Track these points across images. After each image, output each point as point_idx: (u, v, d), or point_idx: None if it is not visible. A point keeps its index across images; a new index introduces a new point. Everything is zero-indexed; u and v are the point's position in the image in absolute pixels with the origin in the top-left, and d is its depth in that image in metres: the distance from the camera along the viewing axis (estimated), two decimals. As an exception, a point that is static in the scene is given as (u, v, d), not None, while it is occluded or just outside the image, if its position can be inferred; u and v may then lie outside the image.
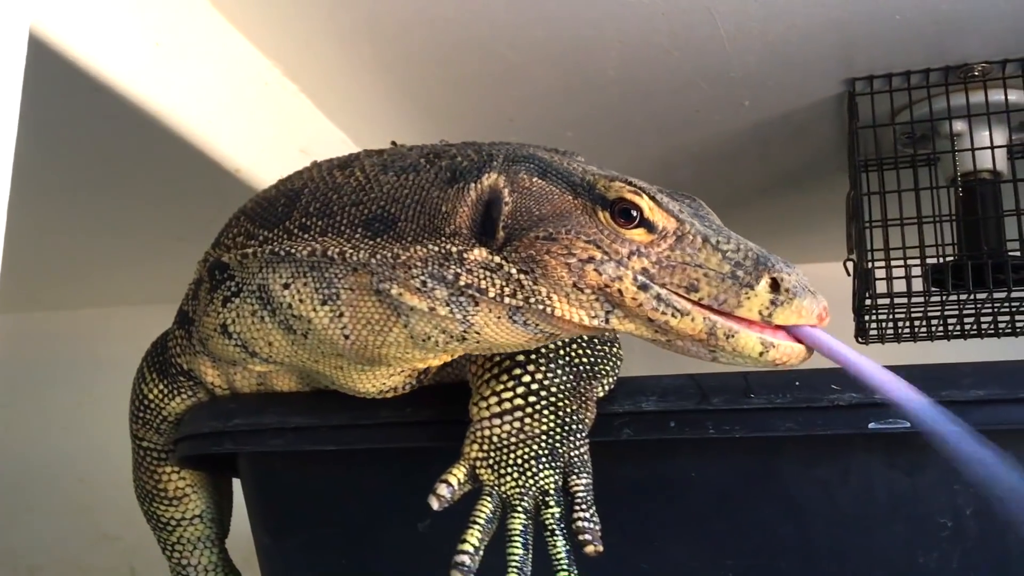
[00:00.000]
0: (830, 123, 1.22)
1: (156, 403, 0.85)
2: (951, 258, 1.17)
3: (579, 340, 0.72)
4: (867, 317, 1.19)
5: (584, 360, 0.72)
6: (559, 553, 0.66)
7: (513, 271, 0.64)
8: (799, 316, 0.61)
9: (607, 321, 0.63)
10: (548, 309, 0.63)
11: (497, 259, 0.64)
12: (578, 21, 1.02)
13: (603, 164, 1.38)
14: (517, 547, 0.66)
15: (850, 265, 1.18)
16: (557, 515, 0.66)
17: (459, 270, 0.65)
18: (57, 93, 0.91)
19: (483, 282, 0.64)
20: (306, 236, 0.70)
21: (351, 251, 0.68)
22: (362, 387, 0.76)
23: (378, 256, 0.67)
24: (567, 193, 0.65)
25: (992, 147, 1.14)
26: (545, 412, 0.69)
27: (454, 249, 0.65)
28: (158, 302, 1.38)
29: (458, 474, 0.69)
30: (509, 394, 0.70)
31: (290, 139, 1.11)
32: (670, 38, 1.04)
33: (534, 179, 0.66)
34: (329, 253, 0.68)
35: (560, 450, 0.68)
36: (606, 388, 0.73)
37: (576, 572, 0.66)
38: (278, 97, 1.10)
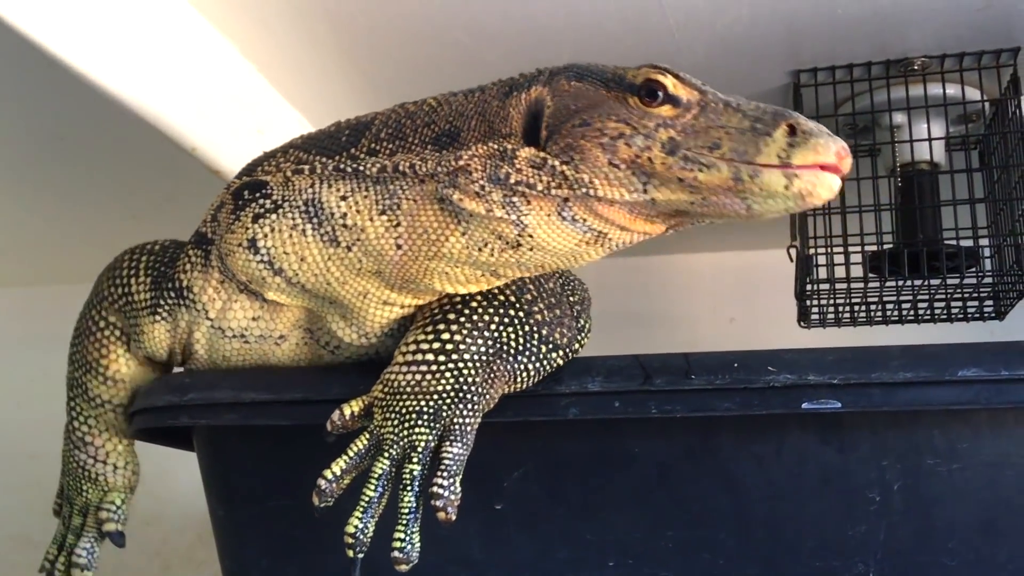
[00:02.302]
0: (775, 113, 1.25)
1: (136, 304, 0.85)
2: (889, 246, 1.21)
3: (517, 326, 0.75)
4: (808, 302, 1.23)
5: (512, 344, 0.74)
6: (404, 509, 0.69)
7: (556, 163, 0.69)
8: (816, 153, 0.64)
9: (646, 192, 0.68)
10: (591, 191, 0.68)
11: (542, 155, 0.69)
12: (531, 8, 1.04)
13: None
14: (371, 488, 0.70)
15: (793, 252, 1.22)
16: (415, 472, 0.69)
17: (510, 169, 0.70)
18: (12, 69, 0.91)
19: (531, 178, 0.69)
20: (374, 159, 0.74)
21: (420, 163, 0.72)
22: (370, 323, 0.78)
23: (443, 164, 0.71)
24: (601, 89, 0.70)
25: (930, 139, 1.18)
26: (447, 374, 0.72)
27: (509, 146, 0.70)
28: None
29: (355, 406, 0.73)
30: (426, 346, 0.73)
31: (247, 119, 1.12)
32: (621, 26, 1.07)
33: (572, 82, 0.71)
34: (400, 167, 0.73)
35: (444, 414, 0.71)
36: (523, 382, 0.75)
37: (414, 532, 0.68)
38: (235, 77, 1.11)
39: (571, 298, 0.81)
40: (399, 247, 0.73)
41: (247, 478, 0.87)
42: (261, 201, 0.77)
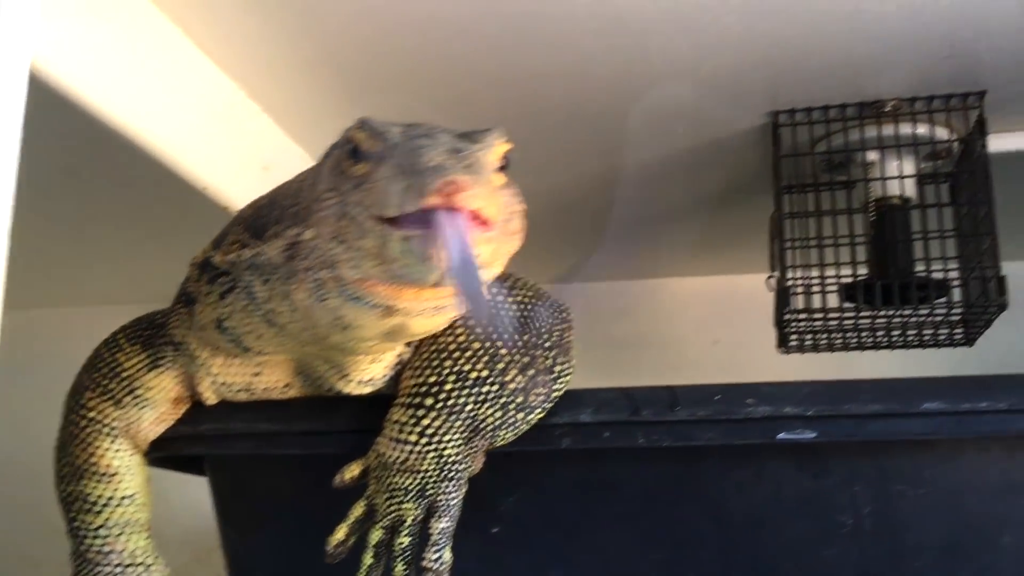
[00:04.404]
0: (757, 150, 1.31)
1: (130, 373, 0.83)
2: (863, 276, 1.27)
3: (493, 401, 0.75)
4: (786, 329, 1.29)
5: (490, 420, 0.75)
6: None
7: (313, 241, 0.65)
8: (420, 196, 0.55)
9: (359, 267, 0.63)
10: (336, 270, 0.64)
11: (298, 231, 0.67)
12: (526, 56, 1.09)
13: (548, 181, 1.48)
14: (369, 556, 0.73)
15: (772, 282, 1.28)
16: (404, 545, 0.72)
17: (293, 251, 0.67)
18: (40, 116, 0.96)
19: (304, 260, 0.67)
20: (275, 243, 0.71)
21: (272, 250, 0.70)
22: (352, 370, 0.80)
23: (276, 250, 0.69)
24: (336, 151, 0.66)
25: (901, 176, 1.24)
26: (429, 455, 0.73)
27: (284, 228, 0.68)
28: (118, 303, 1.43)
29: (356, 470, 0.76)
30: (408, 428, 0.74)
31: (253, 157, 1.18)
32: (611, 71, 1.13)
33: (331, 149, 0.67)
34: (263, 256, 0.71)
35: (429, 491, 0.73)
36: (501, 444, 0.77)
37: None
38: (242, 117, 1.16)
39: (546, 345, 0.79)
40: (304, 330, 0.73)
41: (258, 504, 0.91)
42: (222, 279, 0.77)
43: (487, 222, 0.57)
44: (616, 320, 1.84)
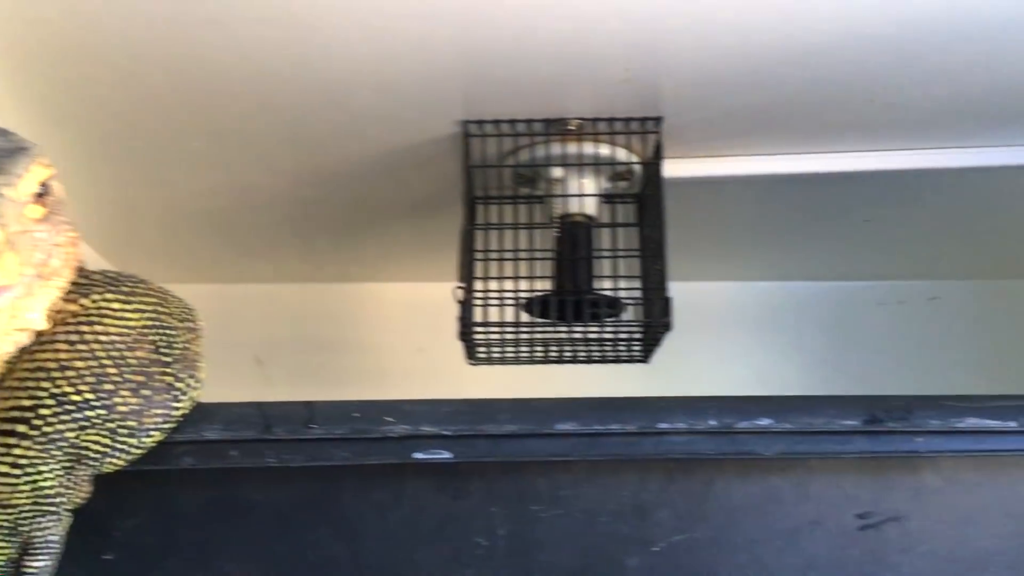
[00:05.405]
0: (451, 158, 1.30)
1: None
2: (545, 291, 1.28)
3: (99, 427, 0.69)
4: (470, 341, 1.28)
5: (96, 447, 0.69)
6: None
7: None
8: None
9: None
10: None
11: None
12: (198, 43, 1.02)
13: (240, 175, 1.39)
14: None
15: (460, 292, 1.26)
16: None
17: None
18: None
19: None
20: None
21: None
22: None
23: None
24: None
25: (583, 194, 1.26)
26: (23, 487, 0.67)
27: None
28: None
29: None
30: None
31: None
32: (289, 65, 1.07)
33: None
34: None
35: (23, 528, 0.67)
36: (112, 469, 0.72)
37: None
38: None
39: (166, 359, 0.74)
40: None
41: None
42: None
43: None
44: (320, 324, 1.78)
